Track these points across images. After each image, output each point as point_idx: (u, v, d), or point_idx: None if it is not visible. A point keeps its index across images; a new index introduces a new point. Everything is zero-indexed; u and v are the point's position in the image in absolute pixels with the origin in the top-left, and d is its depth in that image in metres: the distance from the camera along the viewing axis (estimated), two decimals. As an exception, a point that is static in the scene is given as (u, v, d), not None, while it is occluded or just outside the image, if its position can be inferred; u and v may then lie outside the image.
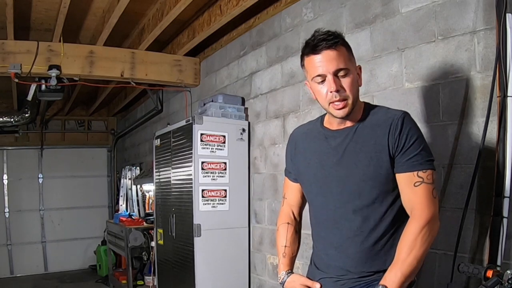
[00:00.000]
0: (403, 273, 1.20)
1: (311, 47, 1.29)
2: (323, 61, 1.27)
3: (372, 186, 1.29)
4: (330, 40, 1.27)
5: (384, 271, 1.28)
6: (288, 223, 1.55)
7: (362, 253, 1.31)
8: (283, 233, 1.54)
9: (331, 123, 1.41)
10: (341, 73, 1.28)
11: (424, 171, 1.25)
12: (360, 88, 1.38)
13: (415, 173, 1.25)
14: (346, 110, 1.29)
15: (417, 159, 1.26)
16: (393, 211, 1.31)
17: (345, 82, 1.28)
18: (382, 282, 1.21)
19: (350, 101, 1.29)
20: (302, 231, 1.61)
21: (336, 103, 1.28)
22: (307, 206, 1.57)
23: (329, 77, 1.27)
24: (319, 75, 1.29)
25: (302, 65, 1.37)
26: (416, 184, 1.25)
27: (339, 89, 1.27)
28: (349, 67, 1.29)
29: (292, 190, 1.58)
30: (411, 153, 1.26)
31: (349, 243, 1.33)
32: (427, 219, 1.23)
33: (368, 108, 1.38)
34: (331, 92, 1.27)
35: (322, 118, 1.48)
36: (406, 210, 1.30)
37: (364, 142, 1.31)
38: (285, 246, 1.51)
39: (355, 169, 1.31)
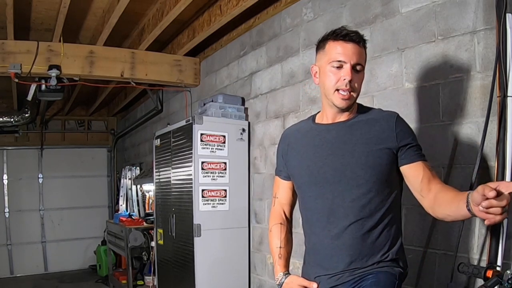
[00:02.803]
0: None
1: (343, 34, 1.35)
2: (349, 50, 1.34)
3: (371, 175, 1.32)
4: (361, 37, 1.37)
5: (378, 262, 1.31)
6: (280, 224, 1.57)
7: (357, 240, 1.33)
8: (277, 234, 1.55)
9: (326, 117, 1.45)
10: (358, 68, 1.35)
11: (427, 162, 1.35)
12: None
13: (425, 162, 1.34)
14: (348, 102, 1.36)
15: (420, 153, 1.35)
16: (387, 203, 1.35)
17: (358, 77, 1.36)
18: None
19: (354, 95, 1.37)
20: (299, 232, 1.61)
21: (343, 92, 1.34)
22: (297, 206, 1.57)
23: (348, 66, 1.34)
24: (339, 61, 1.34)
25: (321, 47, 1.41)
26: (431, 170, 1.34)
27: (352, 80, 1.33)
28: (364, 67, 1.38)
29: (284, 189, 1.60)
30: (414, 147, 1.35)
31: (345, 231, 1.34)
32: None
33: (362, 107, 1.46)
34: (344, 79, 1.33)
35: (313, 116, 1.53)
36: (424, 188, 1.29)
37: (361, 135, 1.36)
38: (280, 247, 1.52)
39: (352, 159, 1.34)
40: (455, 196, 1.17)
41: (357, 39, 1.35)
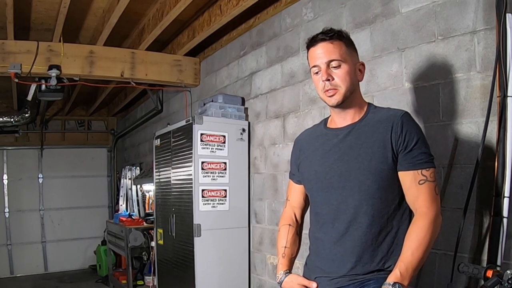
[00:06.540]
0: (413, 267, 1.23)
1: (312, 39, 1.40)
2: (319, 52, 1.37)
3: (373, 181, 1.31)
4: (327, 34, 1.37)
5: (378, 271, 1.30)
6: (289, 225, 1.58)
7: (359, 247, 1.32)
8: (284, 234, 1.57)
9: (334, 122, 1.46)
10: (333, 64, 1.35)
11: (427, 169, 1.30)
12: (360, 86, 1.43)
13: (419, 171, 1.29)
14: (336, 98, 1.36)
15: (420, 157, 1.30)
16: (391, 209, 1.33)
17: (337, 73, 1.36)
18: (393, 278, 1.21)
19: (342, 91, 1.36)
20: (303, 231, 1.62)
21: (327, 91, 1.37)
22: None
23: (322, 67, 1.36)
24: (314, 66, 1.39)
25: (307, 59, 1.45)
26: (420, 182, 1.29)
27: (329, 79, 1.35)
28: (345, 59, 1.36)
29: (296, 192, 1.61)
30: (415, 151, 1.30)
31: (347, 237, 1.34)
32: (432, 216, 1.27)
33: (371, 107, 1.44)
34: (323, 81, 1.36)
35: (325, 120, 1.54)
36: (411, 206, 1.33)
37: (366, 138, 1.35)
38: (285, 247, 1.54)
39: (356, 164, 1.33)
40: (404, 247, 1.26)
41: (326, 37, 1.36)
